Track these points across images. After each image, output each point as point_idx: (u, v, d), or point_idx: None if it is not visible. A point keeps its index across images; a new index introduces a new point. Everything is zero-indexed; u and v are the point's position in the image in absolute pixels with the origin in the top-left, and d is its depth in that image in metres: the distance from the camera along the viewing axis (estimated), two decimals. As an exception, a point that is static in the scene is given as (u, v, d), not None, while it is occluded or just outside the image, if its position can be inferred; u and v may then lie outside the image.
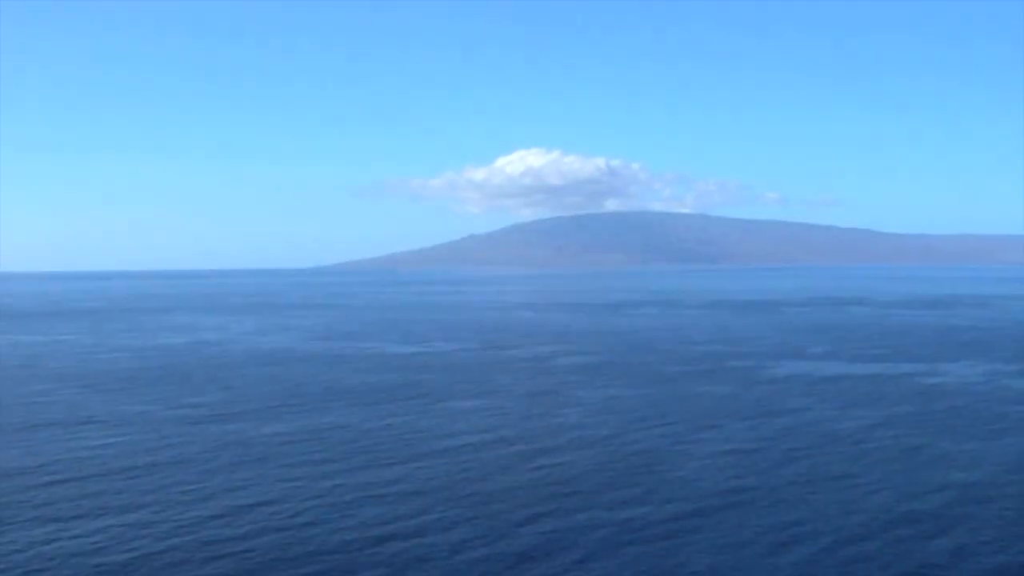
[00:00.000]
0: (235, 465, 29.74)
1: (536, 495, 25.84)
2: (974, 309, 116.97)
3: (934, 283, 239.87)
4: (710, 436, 33.90)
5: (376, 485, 26.98)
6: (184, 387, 48.63)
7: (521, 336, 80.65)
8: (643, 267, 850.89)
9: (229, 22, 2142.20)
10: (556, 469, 28.97)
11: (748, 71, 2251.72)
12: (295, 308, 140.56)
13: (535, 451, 31.72)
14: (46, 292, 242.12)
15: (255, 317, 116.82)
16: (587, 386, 47.73)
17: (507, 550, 21.15)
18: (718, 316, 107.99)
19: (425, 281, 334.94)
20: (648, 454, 30.99)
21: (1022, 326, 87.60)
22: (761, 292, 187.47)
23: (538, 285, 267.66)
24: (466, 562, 20.37)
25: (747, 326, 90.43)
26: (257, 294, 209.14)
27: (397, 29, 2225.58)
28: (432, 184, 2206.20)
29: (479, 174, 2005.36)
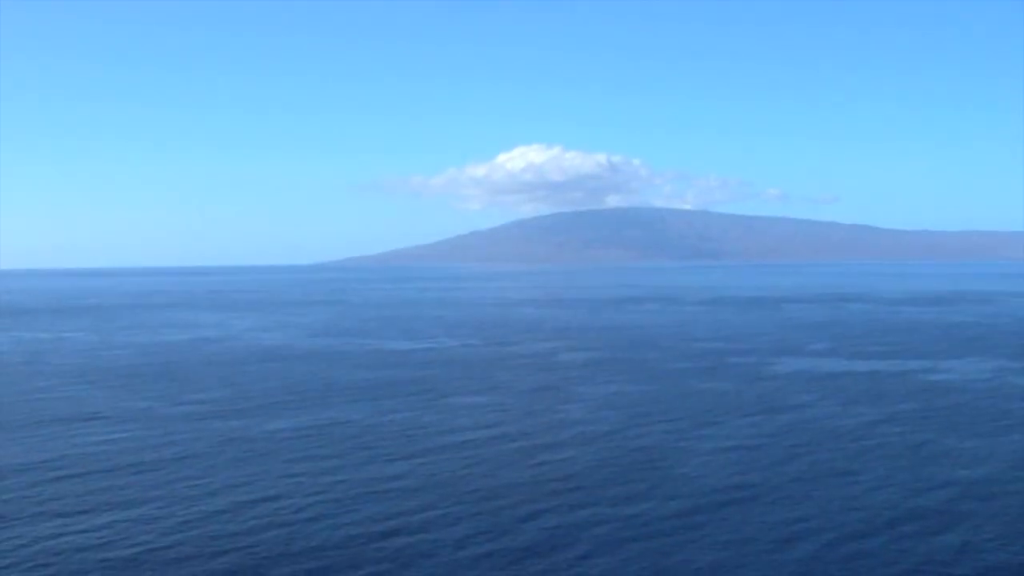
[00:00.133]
0: (239, 461, 29.79)
1: (539, 491, 25.87)
2: (977, 305, 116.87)
3: (936, 279, 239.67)
4: (712, 432, 33.92)
5: (379, 481, 27.03)
6: (187, 383, 48.69)
7: (523, 332, 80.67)
8: (644, 263, 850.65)
9: (230, 19, 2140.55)
10: (559, 465, 29.00)
11: (750, 68, 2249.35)
12: (296, 305, 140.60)
13: (537, 447, 31.76)
14: (48, 289, 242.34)
15: (256, 314, 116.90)
16: (589, 382, 47.76)
17: (510, 546, 21.19)
18: (719, 312, 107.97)
19: (426, 277, 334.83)
20: (650, 450, 31.01)
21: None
22: (762, 289, 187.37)
23: (539, 281, 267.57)
24: (469, 558, 20.41)
25: (749, 322, 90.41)
26: (258, 291, 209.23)
27: (399, 26, 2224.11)
28: (433, 182, 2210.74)
29: (480, 171, 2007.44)
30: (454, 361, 58.47)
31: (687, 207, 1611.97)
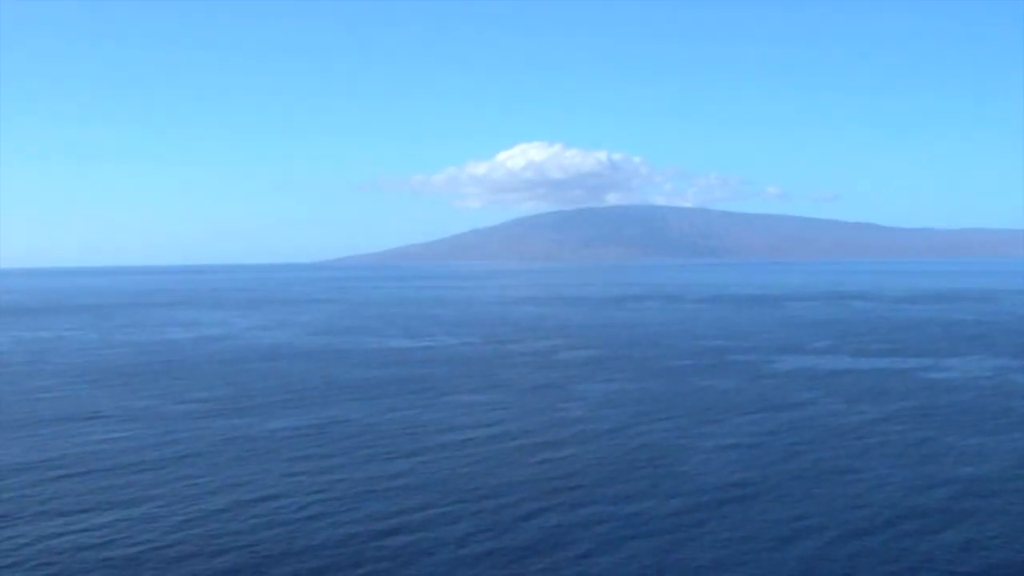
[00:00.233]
0: (240, 459, 29.79)
1: (540, 489, 25.86)
2: (978, 303, 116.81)
3: (937, 277, 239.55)
4: (714, 430, 33.90)
5: (380, 479, 27.01)
6: (188, 382, 48.69)
7: (523, 330, 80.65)
8: (644, 261, 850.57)
9: (231, 18, 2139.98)
10: (560, 463, 28.99)
11: (750, 66, 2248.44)
12: (297, 303, 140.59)
13: (539, 445, 31.74)
14: (48, 288, 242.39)
15: (257, 312, 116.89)
16: (590, 380, 47.74)
17: (512, 544, 21.17)
18: (720, 310, 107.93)
19: (426, 276, 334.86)
20: (652, 448, 30.99)
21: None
22: (763, 286, 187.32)
23: (539, 279, 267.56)
24: (471, 556, 20.40)
25: (750, 320, 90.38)
26: (258, 289, 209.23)
27: (398, 24, 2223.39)
28: (433, 180, 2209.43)
29: (480, 169, 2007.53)
30: (454, 359, 58.46)
31: (687, 205, 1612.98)
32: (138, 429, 35.17)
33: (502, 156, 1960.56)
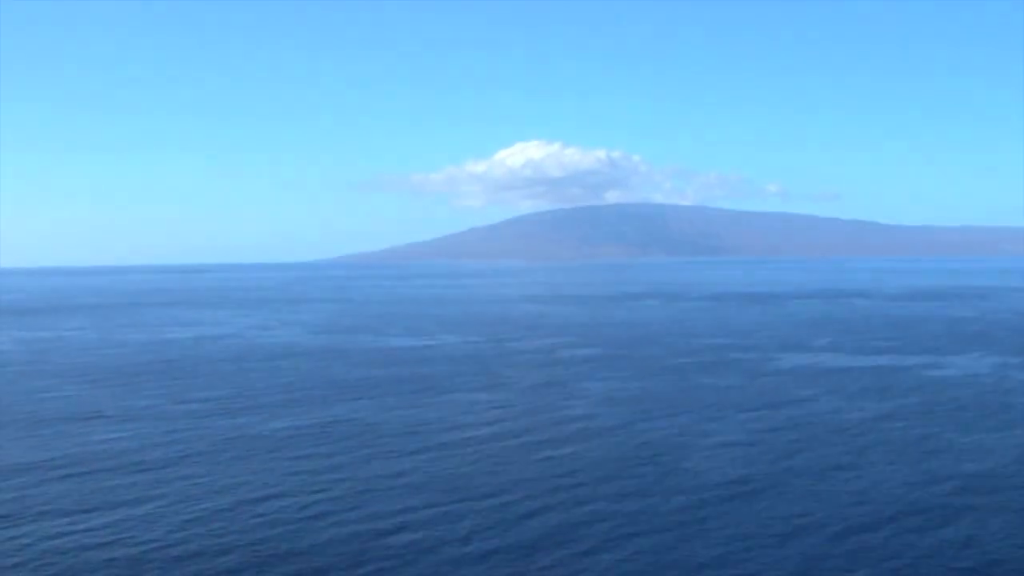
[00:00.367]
0: (242, 459, 29.82)
1: (543, 487, 25.90)
2: (978, 301, 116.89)
3: (937, 275, 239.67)
4: (716, 427, 33.95)
5: (383, 478, 27.05)
6: (190, 381, 48.72)
7: (524, 329, 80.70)
8: (644, 259, 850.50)
9: (229, 17, 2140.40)
10: (562, 461, 29.03)
11: (749, 64, 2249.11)
12: (297, 302, 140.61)
13: (541, 443, 31.78)
14: (48, 288, 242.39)
15: (257, 311, 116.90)
16: (592, 378, 47.78)
17: (515, 542, 21.21)
18: (721, 308, 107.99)
19: (426, 274, 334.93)
20: (654, 445, 31.03)
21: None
22: (763, 284, 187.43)
23: (539, 277, 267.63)
24: (474, 553, 20.43)
25: (750, 318, 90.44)
26: (259, 288, 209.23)
27: (397, 23, 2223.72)
28: (433, 178, 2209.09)
29: (480, 167, 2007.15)
30: (455, 358, 58.49)
31: (687, 203, 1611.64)
32: (139, 429, 35.19)
33: (501, 154, 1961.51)
